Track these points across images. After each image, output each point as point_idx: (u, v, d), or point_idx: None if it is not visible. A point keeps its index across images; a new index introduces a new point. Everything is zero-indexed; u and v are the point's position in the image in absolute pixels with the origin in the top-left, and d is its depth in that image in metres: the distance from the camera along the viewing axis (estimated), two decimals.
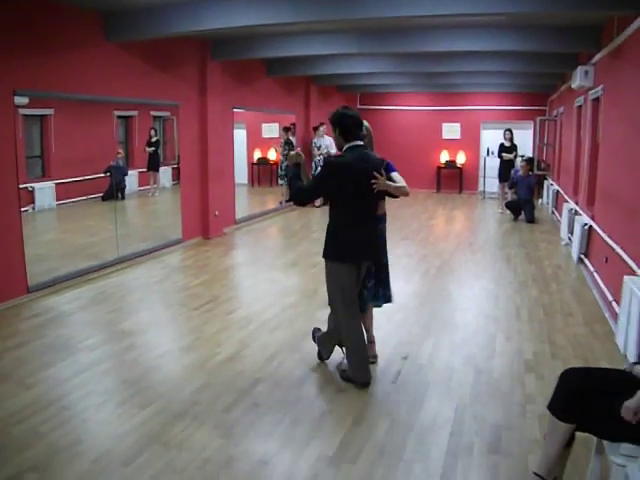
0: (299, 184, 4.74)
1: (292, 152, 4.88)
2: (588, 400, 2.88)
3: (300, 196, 4.72)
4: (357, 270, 4.69)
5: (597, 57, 8.37)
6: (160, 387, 4.63)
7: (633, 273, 5.50)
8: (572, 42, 8.66)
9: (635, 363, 2.98)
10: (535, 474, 3.02)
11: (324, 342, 5.07)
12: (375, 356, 5.16)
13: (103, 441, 3.82)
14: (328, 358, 5.10)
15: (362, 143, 4.62)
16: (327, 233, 4.70)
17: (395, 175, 4.73)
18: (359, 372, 4.71)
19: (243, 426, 4.03)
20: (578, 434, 3.08)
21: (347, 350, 4.80)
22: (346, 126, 4.56)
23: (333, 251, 4.66)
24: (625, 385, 2.85)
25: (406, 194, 4.69)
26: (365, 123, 4.86)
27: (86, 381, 4.69)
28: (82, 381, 4.69)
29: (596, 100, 8.76)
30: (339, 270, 4.62)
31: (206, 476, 3.43)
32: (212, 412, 4.22)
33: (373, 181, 4.40)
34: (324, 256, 4.70)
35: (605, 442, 2.93)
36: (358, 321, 4.78)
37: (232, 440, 3.84)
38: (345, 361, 4.90)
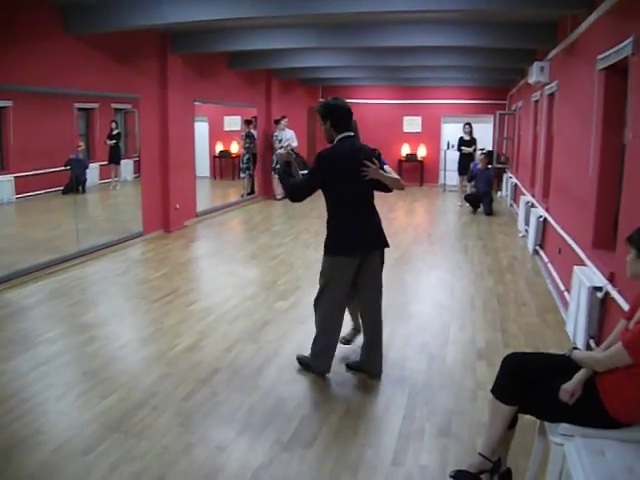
0: (292, 181, 4.75)
1: (282, 150, 4.91)
2: (529, 383, 3.03)
3: (295, 192, 4.69)
4: (357, 264, 4.62)
5: (552, 53, 8.57)
6: (120, 378, 4.69)
7: (583, 263, 5.70)
8: (529, 38, 8.86)
9: (574, 348, 3.14)
10: (480, 454, 3.17)
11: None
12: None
13: (63, 431, 3.88)
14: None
15: (352, 134, 4.62)
16: (329, 229, 4.67)
17: (387, 168, 4.73)
18: (321, 361, 4.77)
19: (201, 414, 4.12)
20: (527, 418, 3.25)
21: (316, 339, 4.76)
22: (338, 117, 4.54)
23: (337, 245, 4.60)
24: (564, 369, 3.00)
25: (401, 187, 4.74)
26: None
27: (46, 373, 4.73)
28: (42, 373, 4.72)
29: (551, 95, 8.97)
30: (342, 265, 4.57)
31: (165, 463, 3.51)
32: (171, 401, 4.30)
33: (363, 169, 4.42)
34: (327, 252, 4.64)
35: (546, 423, 3.09)
36: (339, 323, 4.76)
37: (190, 428, 3.93)
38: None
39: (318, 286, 4.71)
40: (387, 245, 4.86)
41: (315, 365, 4.80)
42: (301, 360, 4.93)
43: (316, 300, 4.74)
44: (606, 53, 5.24)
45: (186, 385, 4.56)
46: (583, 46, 6.69)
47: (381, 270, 4.88)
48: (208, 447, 3.70)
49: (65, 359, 5.04)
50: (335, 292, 4.61)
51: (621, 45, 4.77)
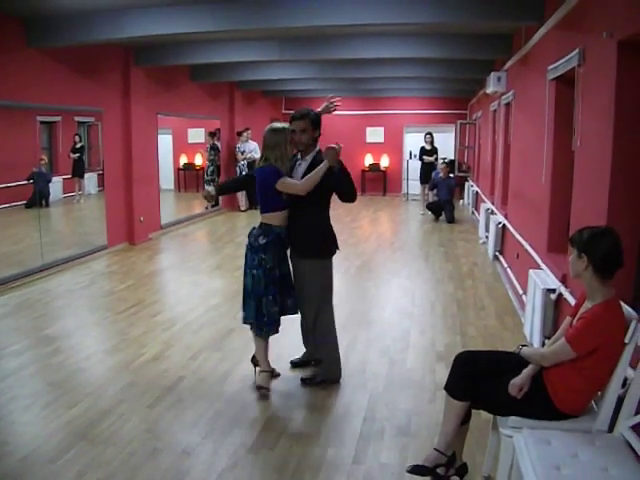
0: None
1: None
2: (480, 379, 3.17)
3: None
4: None
5: (508, 64, 8.81)
6: (86, 387, 4.74)
7: (538, 267, 5.88)
8: (486, 49, 9.12)
9: (523, 345, 3.28)
10: (435, 449, 3.30)
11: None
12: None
13: (30, 441, 3.91)
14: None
15: None
16: (321, 232, 4.76)
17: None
18: (336, 368, 4.87)
19: (167, 420, 4.19)
20: (483, 417, 3.38)
21: (325, 349, 4.82)
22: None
23: (329, 247, 4.81)
24: (513, 365, 3.15)
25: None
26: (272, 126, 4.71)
27: (11, 385, 4.75)
28: (7, 385, 4.74)
29: (508, 105, 9.21)
30: (330, 266, 4.86)
31: (131, 468, 3.58)
32: (137, 409, 4.36)
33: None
34: (320, 256, 4.76)
35: (497, 417, 3.24)
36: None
37: (157, 434, 4.00)
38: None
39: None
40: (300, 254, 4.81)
41: (337, 371, 4.87)
42: (312, 380, 4.84)
43: (311, 306, 4.87)
44: (555, 64, 5.46)
45: (152, 393, 4.62)
46: (535, 57, 6.92)
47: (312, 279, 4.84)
48: (174, 452, 3.77)
49: (30, 371, 5.06)
50: (331, 287, 5.00)
51: (568, 56, 4.98)
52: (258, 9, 6.98)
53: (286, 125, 4.68)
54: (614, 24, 3.88)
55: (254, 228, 4.68)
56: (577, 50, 4.73)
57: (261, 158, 4.67)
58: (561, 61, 5.26)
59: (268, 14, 6.99)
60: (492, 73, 9.51)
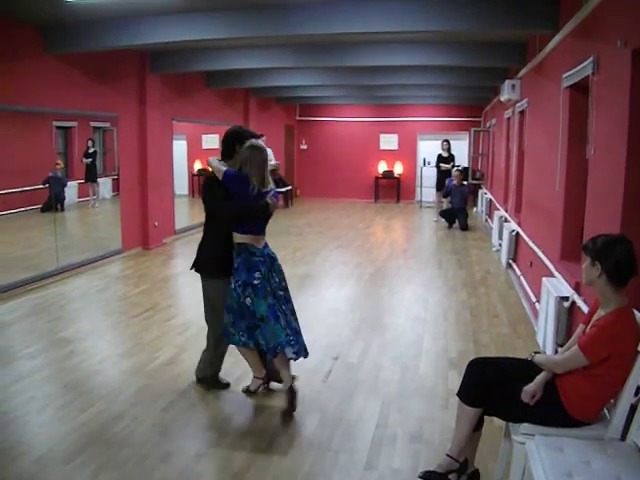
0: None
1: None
2: (492, 386, 3.18)
3: None
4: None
5: (522, 72, 8.82)
6: (100, 390, 4.78)
7: (551, 275, 5.88)
8: (500, 57, 9.14)
9: (536, 352, 3.29)
10: (447, 455, 3.31)
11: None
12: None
13: (44, 442, 3.96)
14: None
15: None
16: (210, 248, 4.64)
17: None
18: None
19: (181, 424, 4.22)
20: (496, 424, 3.39)
21: (213, 352, 4.78)
22: None
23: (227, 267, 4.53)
24: (526, 372, 3.16)
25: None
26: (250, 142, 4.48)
27: (27, 387, 4.80)
28: (23, 387, 4.79)
29: (522, 113, 9.21)
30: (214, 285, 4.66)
31: (145, 470, 3.61)
32: (151, 412, 4.40)
33: None
34: (201, 272, 4.67)
35: (510, 424, 3.25)
36: None
37: (170, 437, 4.03)
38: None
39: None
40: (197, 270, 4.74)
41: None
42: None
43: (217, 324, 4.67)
44: (570, 72, 5.47)
45: (166, 397, 4.66)
46: (550, 65, 6.92)
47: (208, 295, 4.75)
48: (187, 455, 3.80)
49: (45, 373, 5.11)
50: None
51: (583, 65, 4.99)
52: (273, 17, 7.03)
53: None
54: (628, 33, 3.89)
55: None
56: (591, 58, 4.74)
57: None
58: (575, 69, 5.27)
59: (283, 22, 7.04)
60: (506, 81, 9.52)
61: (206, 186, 4.55)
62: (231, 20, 7.19)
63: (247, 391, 4.75)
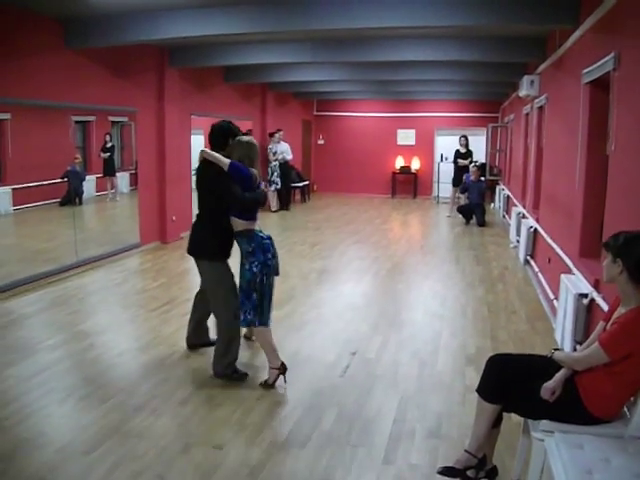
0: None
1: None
2: (512, 383, 3.18)
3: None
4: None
5: (542, 67, 8.77)
6: (119, 383, 4.83)
7: (570, 272, 5.85)
8: (519, 52, 9.08)
9: (555, 349, 3.28)
10: (466, 451, 3.32)
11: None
12: None
13: (65, 433, 4.01)
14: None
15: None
16: (213, 233, 4.92)
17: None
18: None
19: (199, 417, 4.26)
20: (513, 421, 3.38)
21: (226, 343, 4.92)
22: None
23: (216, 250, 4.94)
24: (545, 369, 3.15)
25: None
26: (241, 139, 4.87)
27: (47, 379, 4.85)
28: (43, 379, 4.84)
29: (541, 108, 9.15)
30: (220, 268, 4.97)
31: (164, 461, 3.65)
32: (170, 405, 4.43)
33: None
34: (209, 257, 4.94)
35: (529, 421, 3.24)
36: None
37: (188, 429, 4.07)
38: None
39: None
40: (194, 254, 5.04)
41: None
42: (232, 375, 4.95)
43: (224, 309, 4.97)
44: (590, 68, 5.43)
45: (184, 390, 4.69)
46: (570, 60, 6.87)
47: (207, 278, 5.07)
48: (206, 447, 3.83)
49: (65, 365, 5.17)
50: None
51: (604, 60, 4.96)
52: (291, 11, 7.04)
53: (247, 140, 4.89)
54: None
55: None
56: (612, 54, 4.70)
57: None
58: (596, 65, 5.23)
59: (301, 16, 7.04)
60: (525, 76, 9.46)
61: (215, 175, 4.70)
62: (249, 15, 7.20)
63: (265, 384, 4.80)
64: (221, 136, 4.92)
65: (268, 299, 4.82)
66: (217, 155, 4.71)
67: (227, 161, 4.64)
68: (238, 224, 4.76)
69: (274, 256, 4.84)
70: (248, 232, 4.76)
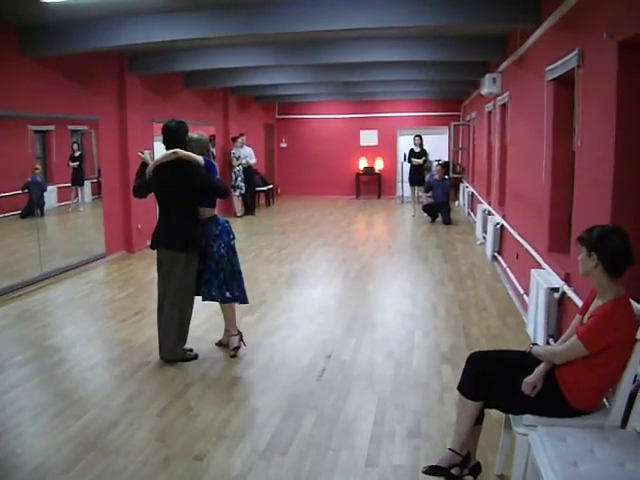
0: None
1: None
2: (493, 379, 3.19)
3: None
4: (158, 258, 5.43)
5: (503, 65, 8.87)
6: (93, 397, 4.73)
7: (539, 266, 5.92)
8: (480, 51, 9.20)
9: (534, 344, 3.31)
10: (450, 449, 3.32)
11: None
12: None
13: (40, 452, 3.90)
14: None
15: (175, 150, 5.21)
16: (192, 226, 5.28)
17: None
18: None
19: (177, 428, 4.19)
20: (494, 417, 3.39)
21: (179, 328, 5.36)
22: None
23: (196, 241, 5.29)
24: (525, 364, 3.17)
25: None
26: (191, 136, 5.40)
27: (17, 397, 4.73)
28: (14, 396, 4.72)
29: (503, 106, 9.25)
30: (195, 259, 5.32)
31: (144, 476, 3.57)
32: (146, 417, 4.36)
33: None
34: (189, 249, 5.23)
35: (511, 416, 3.26)
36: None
37: (167, 442, 4.00)
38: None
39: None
40: (171, 248, 5.27)
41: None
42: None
43: (183, 299, 5.40)
44: (554, 65, 5.50)
45: (160, 401, 4.62)
46: (532, 58, 6.96)
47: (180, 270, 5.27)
48: (186, 459, 3.77)
49: (35, 382, 5.04)
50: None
51: (567, 57, 5.02)
52: (253, 15, 7.01)
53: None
54: (614, 25, 3.92)
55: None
56: (576, 51, 4.77)
57: None
58: (559, 62, 5.30)
59: (263, 20, 7.02)
60: (487, 75, 9.56)
61: (192, 171, 5.12)
62: (211, 19, 7.15)
63: (235, 349, 5.54)
64: (182, 135, 5.29)
65: (240, 277, 5.55)
66: (190, 154, 5.15)
67: (200, 157, 5.17)
68: (206, 212, 5.39)
69: (234, 237, 5.53)
70: (213, 217, 5.44)
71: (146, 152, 5.41)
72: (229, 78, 12.37)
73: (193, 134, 5.41)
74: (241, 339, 5.62)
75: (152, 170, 5.20)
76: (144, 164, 5.33)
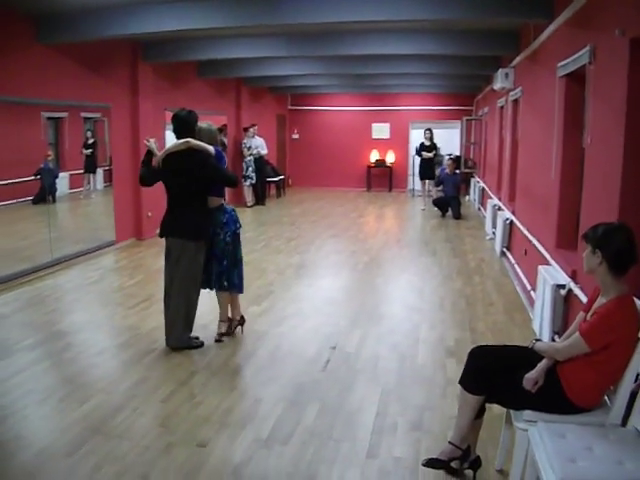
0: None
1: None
2: (494, 374, 3.20)
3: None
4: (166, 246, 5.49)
5: (516, 60, 8.83)
6: (99, 382, 4.78)
7: (547, 263, 5.91)
8: (493, 46, 9.15)
9: (537, 340, 3.32)
10: (450, 443, 3.34)
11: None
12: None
13: (45, 435, 3.96)
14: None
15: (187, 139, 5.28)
16: (202, 215, 5.34)
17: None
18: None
19: (181, 415, 4.23)
20: (495, 412, 3.40)
21: (185, 317, 5.43)
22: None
23: (206, 230, 5.36)
24: (527, 360, 3.18)
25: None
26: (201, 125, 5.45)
27: (25, 380, 4.78)
28: (21, 380, 4.77)
29: (516, 101, 9.22)
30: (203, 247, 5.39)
31: (147, 461, 3.61)
32: (151, 403, 4.40)
33: None
34: (198, 238, 5.29)
35: (511, 411, 3.27)
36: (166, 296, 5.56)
37: (171, 428, 4.04)
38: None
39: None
40: (182, 237, 5.31)
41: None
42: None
43: (190, 286, 5.46)
44: (565, 61, 5.47)
45: (165, 388, 4.66)
46: (544, 54, 6.92)
47: (188, 258, 5.32)
48: (189, 446, 3.81)
49: (44, 366, 5.11)
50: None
51: (579, 54, 5.00)
52: (266, 5, 7.01)
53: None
54: (626, 22, 3.90)
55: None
56: (588, 47, 4.74)
57: None
58: (571, 58, 5.27)
59: (276, 10, 7.02)
60: (500, 70, 9.51)
61: (203, 160, 5.18)
62: (223, 9, 7.15)
63: (222, 335, 5.72)
64: (193, 124, 5.35)
65: (240, 265, 5.68)
66: (201, 143, 5.22)
67: (211, 147, 5.24)
68: (215, 201, 5.47)
69: (240, 226, 5.65)
70: (221, 206, 5.52)
71: (152, 140, 5.48)
72: (242, 68, 12.37)
73: (202, 124, 5.46)
74: (238, 325, 5.87)
75: (162, 159, 5.22)
76: (150, 152, 5.40)
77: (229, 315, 5.82)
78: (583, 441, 2.80)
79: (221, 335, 5.70)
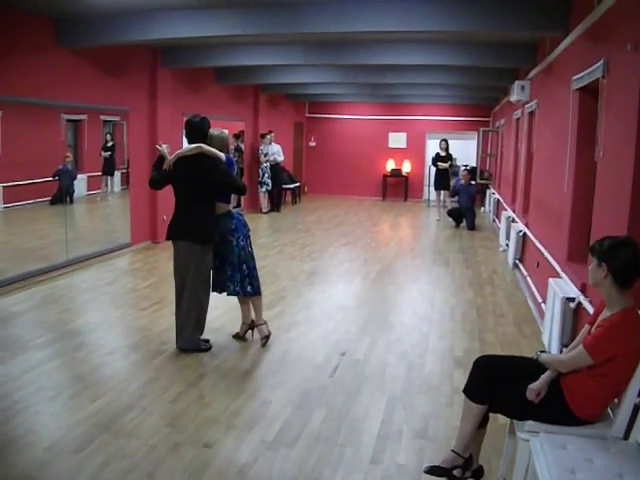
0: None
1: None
2: (498, 383, 3.23)
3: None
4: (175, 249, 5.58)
5: (532, 73, 8.84)
6: (109, 381, 4.85)
7: (558, 276, 5.91)
8: (510, 58, 9.19)
9: (541, 352, 3.34)
10: (452, 451, 3.37)
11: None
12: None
13: (54, 431, 4.02)
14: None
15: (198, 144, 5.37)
16: (210, 219, 5.40)
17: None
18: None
19: (189, 416, 4.28)
20: (499, 422, 3.42)
21: (195, 320, 5.47)
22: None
23: (212, 233, 5.41)
24: (531, 370, 3.20)
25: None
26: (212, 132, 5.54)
27: (37, 377, 4.86)
28: (33, 377, 4.85)
29: (531, 113, 9.22)
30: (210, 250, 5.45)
31: (154, 460, 3.67)
32: (159, 403, 4.46)
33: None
34: (205, 241, 5.34)
35: (514, 421, 3.30)
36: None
37: (178, 428, 4.09)
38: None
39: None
40: (192, 240, 5.36)
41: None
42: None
43: (199, 289, 5.50)
44: (580, 74, 5.49)
45: (174, 389, 4.72)
46: (560, 67, 6.95)
47: (196, 261, 5.39)
48: (195, 446, 3.86)
49: (55, 364, 5.18)
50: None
51: (593, 67, 5.02)
52: (285, 14, 7.08)
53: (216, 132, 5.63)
54: (639, 37, 3.92)
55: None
56: (601, 61, 4.76)
57: None
58: (585, 72, 5.29)
59: (295, 19, 7.08)
60: (516, 82, 9.53)
61: (214, 166, 5.26)
62: (242, 17, 7.23)
63: (237, 336, 5.86)
64: (203, 131, 5.43)
65: (255, 268, 5.72)
66: (213, 149, 5.29)
67: (222, 154, 5.32)
68: (222, 207, 5.53)
69: (249, 229, 5.78)
70: (228, 212, 5.59)
71: (164, 145, 5.57)
72: (260, 75, 12.47)
73: (214, 130, 5.55)
74: (249, 329, 5.90)
75: (173, 162, 5.29)
76: (161, 157, 5.47)
77: (252, 317, 5.87)
78: (584, 453, 2.82)
79: (266, 337, 5.74)
